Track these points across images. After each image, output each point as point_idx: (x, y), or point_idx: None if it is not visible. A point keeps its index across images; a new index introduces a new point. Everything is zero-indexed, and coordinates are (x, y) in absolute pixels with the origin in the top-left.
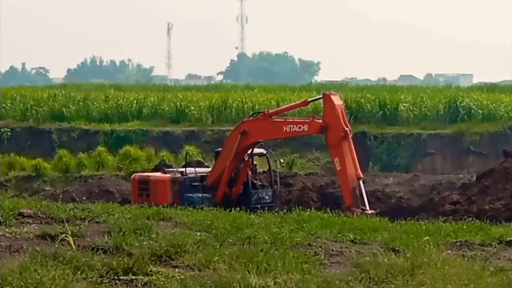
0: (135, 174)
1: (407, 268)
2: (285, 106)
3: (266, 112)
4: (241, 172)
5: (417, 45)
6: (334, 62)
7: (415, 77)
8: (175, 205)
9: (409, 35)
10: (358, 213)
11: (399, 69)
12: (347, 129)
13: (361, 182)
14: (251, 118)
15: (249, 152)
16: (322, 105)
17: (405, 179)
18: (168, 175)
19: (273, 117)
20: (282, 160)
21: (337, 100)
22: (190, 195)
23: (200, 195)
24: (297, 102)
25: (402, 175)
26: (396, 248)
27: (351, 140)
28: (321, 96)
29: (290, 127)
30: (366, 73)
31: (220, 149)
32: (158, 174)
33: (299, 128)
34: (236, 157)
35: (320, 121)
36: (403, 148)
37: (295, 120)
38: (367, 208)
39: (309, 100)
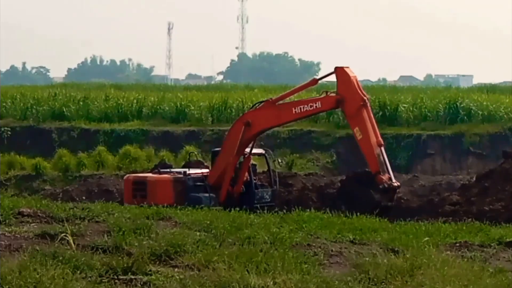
0: (128, 175)
1: (406, 268)
2: (289, 91)
3: (270, 100)
4: (241, 170)
5: (417, 46)
6: (334, 63)
7: (415, 78)
8: (177, 205)
9: (410, 35)
10: (386, 183)
11: (399, 70)
12: (365, 98)
13: (382, 148)
14: (253, 109)
15: (248, 149)
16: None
17: (404, 180)
18: (168, 175)
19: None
20: (280, 160)
21: (350, 72)
22: (197, 194)
23: (206, 194)
24: (305, 82)
25: (402, 175)
26: (396, 249)
27: (369, 108)
28: (332, 71)
29: (300, 108)
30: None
31: (218, 149)
32: (156, 175)
33: (311, 106)
34: (239, 151)
35: (334, 95)
36: (402, 148)
37: (305, 99)
38: (392, 176)
39: (317, 78)
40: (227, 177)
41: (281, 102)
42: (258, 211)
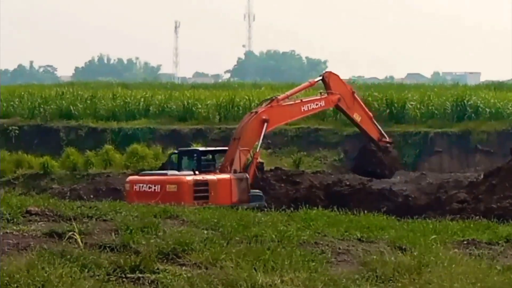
0: (183, 177)
1: (414, 266)
2: (291, 90)
3: (277, 98)
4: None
5: (425, 44)
6: (341, 61)
7: (422, 76)
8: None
9: (417, 33)
10: (387, 143)
11: (407, 67)
12: (353, 90)
13: (373, 119)
14: (264, 106)
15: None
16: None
17: (412, 178)
18: (229, 174)
19: (281, 102)
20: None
21: (335, 74)
22: (257, 192)
23: (260, 192)
24: (302, 84)
25: (409, 173)
26: (403, 247)
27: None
28: (321, 77)
29: (307, 106)
30: (373, 71)
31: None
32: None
33: (316, 105)
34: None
35: (332, 95)
36: (410, 146)
37: (310, 99)
38: (386, 136)
39: (312, 80)
40: (253, 170)
41: (288, 101)
42: (266, 209)
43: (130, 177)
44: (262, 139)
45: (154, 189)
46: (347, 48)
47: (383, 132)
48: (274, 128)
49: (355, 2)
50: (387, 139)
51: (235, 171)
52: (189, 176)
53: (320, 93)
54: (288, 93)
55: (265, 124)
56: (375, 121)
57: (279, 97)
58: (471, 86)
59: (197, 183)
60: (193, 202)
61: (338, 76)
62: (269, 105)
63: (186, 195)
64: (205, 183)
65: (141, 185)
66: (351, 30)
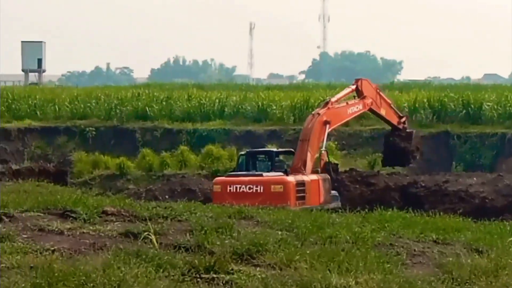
0: (284, 178)
1: (490, 269)
2: (339, 94)
3: (331, 101)
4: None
5: (503, 43)
6: (416, 61)
7: (499, 76)
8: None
9: (495, 33)
10: (404, 122)
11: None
12: (377, 88)
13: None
14: (322, 108)
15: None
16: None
17: (489, 179)
18: (318, 175)
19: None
20: None
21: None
22: (333, 192)
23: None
24: (346, 90)
25: (486, 175)
26: (480, 249)
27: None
28: (354, 85)
29: (351, 109)
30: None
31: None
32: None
33: (357, 108)
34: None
35: (366, 99)
36: (487, 147)
37: (353, 102)
38: (399, 113)
39: (352, 87)
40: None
41: (336, 104)
42: (341, 210)
43: (219, 178)
44: (327, 140)
45: (256, 190)
46: (421, 48)
47: (397, 111)
48: (332, 129)
49: (431, 0)
50: (402, 117)
51: (313, 172)
52: (290, 177)
53: (354, 97)
54: (337, 96)
55: (327, 126)
56: (392, 106)
57: (332, 99)
58: None
59: (298, 183)
60: (296, 202)
61: (368, 80)
62: (326, 108)
63: (291, 196)
64: (303, 183)
65: (238, 186)
66: (425, 30)
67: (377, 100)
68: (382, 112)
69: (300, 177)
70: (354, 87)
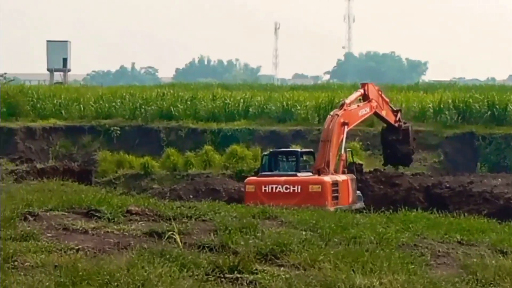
0: (320, 178)
1: None
2: (352, 96)
3: (345, 102)
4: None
5: None
6: (442, 62)
7: None
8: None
9: None
10: (403, 123)
11: (509, 68)
12: (379, 90)
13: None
14: (339, 109)
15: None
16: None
17: None
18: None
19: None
20: None
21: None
22: (358, 192)
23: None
24: (356, 93)
25: (511, 176)
26: (504, 250)
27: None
28: (362, 90)
29: (361, 111)
30: (475, 72)
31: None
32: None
33: (365, 111)
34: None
35: (372, 102)
36: None
37: (362, 104)
38: (395, 109)
39: (361, 91)
40: (341, 171)
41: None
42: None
43: (252, 178)
44: (350, 140)
45: (293, 190)
46: (447, 49)
47: (393, 107)
48: (349, 129)
49: (455, 1)
50: (397, 113)
51: (338, 172)
52: (327, 177)
53: (360, 100)
54: (350, 98)
55: (345, 126)
56: (389, 104)
57: (346, 101)
58: None
59: (333, 183)
60: (332, 203)
61: (372, 84)
62: (342, 109)
63: (329, 196)
64: (337, 183)
65: (274, 186)
66: (450, 30)
67: (379, 102)
68: (383, 113)
69: (334, 177)
70: (362, 91)
